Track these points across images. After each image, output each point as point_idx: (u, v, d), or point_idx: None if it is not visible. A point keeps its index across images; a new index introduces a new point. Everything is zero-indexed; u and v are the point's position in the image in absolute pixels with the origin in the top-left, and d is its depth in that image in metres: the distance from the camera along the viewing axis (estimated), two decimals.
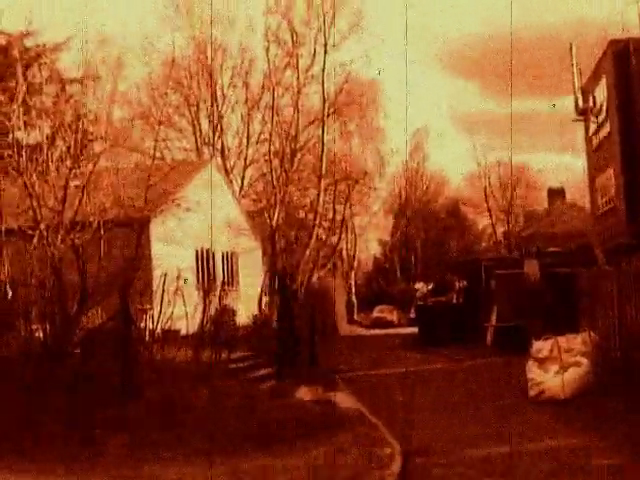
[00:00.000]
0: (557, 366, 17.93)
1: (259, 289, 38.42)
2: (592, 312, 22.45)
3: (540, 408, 17.18)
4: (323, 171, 43.92)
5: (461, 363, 27.25)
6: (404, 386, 20.60)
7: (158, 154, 42.10)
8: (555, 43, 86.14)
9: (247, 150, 50.22)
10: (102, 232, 18.01)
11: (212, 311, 21.29)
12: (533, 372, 18.49)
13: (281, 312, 25.54)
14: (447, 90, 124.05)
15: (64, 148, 19.03)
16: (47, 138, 19.63)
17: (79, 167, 19.06)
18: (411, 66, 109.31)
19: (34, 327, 16.63)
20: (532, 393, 18.32)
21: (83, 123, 19.60)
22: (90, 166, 19.10)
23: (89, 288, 16.72)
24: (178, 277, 18.74)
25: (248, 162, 50.46)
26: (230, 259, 36.57)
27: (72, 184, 18.26)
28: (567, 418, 15.74)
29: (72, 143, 18.80)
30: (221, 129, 50.95)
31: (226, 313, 23.73)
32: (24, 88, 19.32)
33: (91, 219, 18.03)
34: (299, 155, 45.56)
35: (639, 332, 18.30)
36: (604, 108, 33.38)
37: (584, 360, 17.92)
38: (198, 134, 51.33)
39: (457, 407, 17.95)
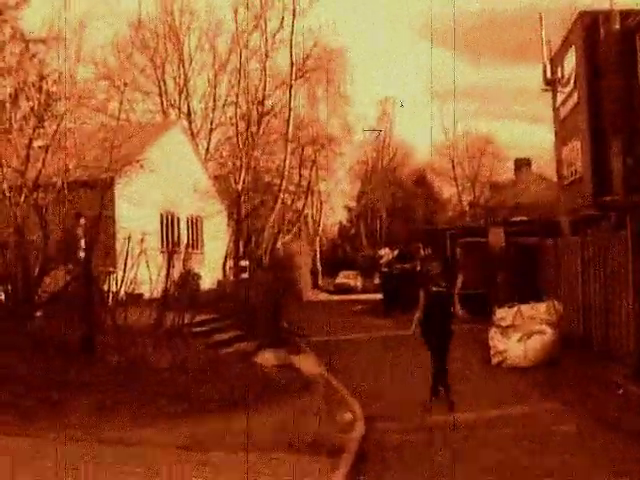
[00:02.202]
0: (520, 334, 18.05)
1: (224, 253, 38.35)
2: (556, 281, 22.61)
3: (502, 375, 17.33)
4: (290, 136, 43.71)
5: None
6: (367, 352, 20.68)
7: (123, 116, 41.63)
8: (533, 15, 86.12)
9: (213, 113, 49.91)
10: (66, 193, 17.76)
11: (176, 275, 21.17)
12: (495, 340, 18.61)
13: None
14: (423, 59, 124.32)
15: (28, 108, 18.70)
16: (10, 97, 19.26)
17: (43, 127, 18.75)
18: (387, 35, 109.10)
19: None
20: (494, 360, 18.45)
21: (47, 83, 19.25)
22: (54, 126, 18.80)
23: (52, 249, 16.52)
24: (142, 240, 18.57)
25: (214, 125, 50.14)
26: (195, 223, 36.37)
27: (35, 144, 17.99)
28: (527, 385, 15.89)
29: (36, 102, 18.48)
30: (187, 92, 50.52)
31: (190, 277, 23.62)
32: None
33: (54, 179, 17.77)
34: (266, 119, 45.30)
35: (601, 302, 18.44)
36: (572, 79, 33.45)
37: (547, 329, 18.04)
38: (164, 96, 50.86)
39: (419, 375, 17.97)
